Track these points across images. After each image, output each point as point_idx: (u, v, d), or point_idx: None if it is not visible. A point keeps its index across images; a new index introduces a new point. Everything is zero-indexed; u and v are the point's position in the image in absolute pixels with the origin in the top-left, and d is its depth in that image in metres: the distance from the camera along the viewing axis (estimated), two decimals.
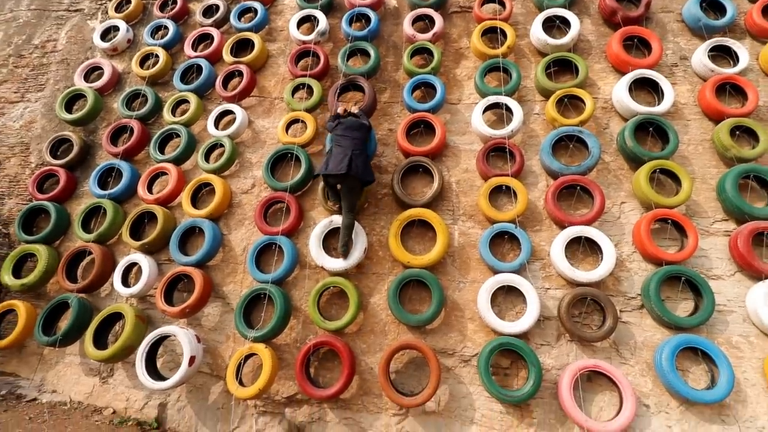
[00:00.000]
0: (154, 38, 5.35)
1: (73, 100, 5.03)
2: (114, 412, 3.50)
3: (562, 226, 3.69)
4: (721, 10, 4.47)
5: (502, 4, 4.87)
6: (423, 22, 4.99)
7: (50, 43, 5.82)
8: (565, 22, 4.61)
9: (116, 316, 3.77)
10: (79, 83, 5.15)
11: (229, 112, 4.65)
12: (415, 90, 4.54)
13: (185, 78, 4.99)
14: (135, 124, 4.68)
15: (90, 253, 4.11)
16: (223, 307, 3.81)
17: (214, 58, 5.11)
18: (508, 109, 4.17)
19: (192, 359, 3.34)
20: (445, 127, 4.22)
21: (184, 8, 5.56)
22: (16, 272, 4.16)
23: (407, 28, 4.89)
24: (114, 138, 4.74)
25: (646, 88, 4.22)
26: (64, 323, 3.85)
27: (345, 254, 3.65)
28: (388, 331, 3.54)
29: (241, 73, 4.85)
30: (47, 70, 5.57)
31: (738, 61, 4.16)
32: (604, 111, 4.27)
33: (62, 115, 4.88)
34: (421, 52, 4.77)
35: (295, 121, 4.45)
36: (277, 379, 3.47)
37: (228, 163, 4.33)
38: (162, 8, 5.58)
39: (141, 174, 4.54)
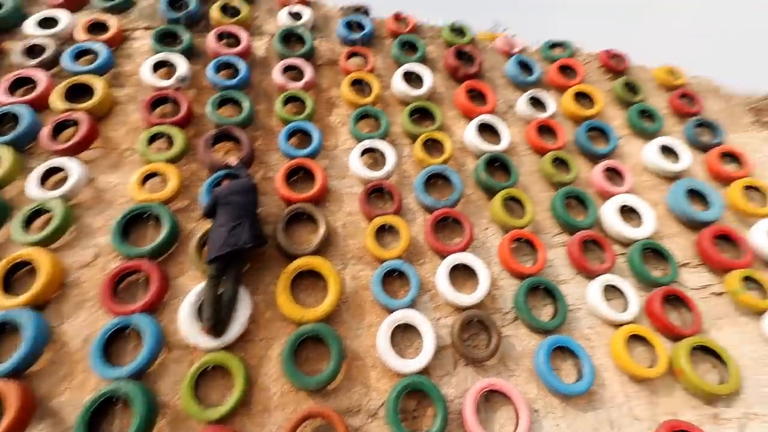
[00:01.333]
0: None
1: None
2: None
3: (442, 256, 3.67)
4: (530, 69, 5.30)
5: (365, 59, 4.95)
6: (293, 72, 4.71)
7: None
8: (419, 76, 4.89)
9: None
10: None
11: (59, 169, 3.51)
12: (291, 137, 4.16)
13: None
14: None
15: None
16: (53, 428, 2.62)
17: (39, 105, 3.89)
18: (382, 153, 4.12)
19: None
20: (325, 172, 3.91)
21: None
22: None
23: (278, 77, 4.54)
24: None
25: (488, 130, 4.67)
26: None
27: (221, 331, 2.92)
28: (286, 403, 2.90)
29: (76, 123, 3.77)
30: None
31: (548, 108, 4.94)
32: (460, 151, 4.54)
33: None
34: (293, 100, 4.45)
35: (152, 174, 3.59)
36: None
37: (58, 231, 3.18)
38: None
39: None
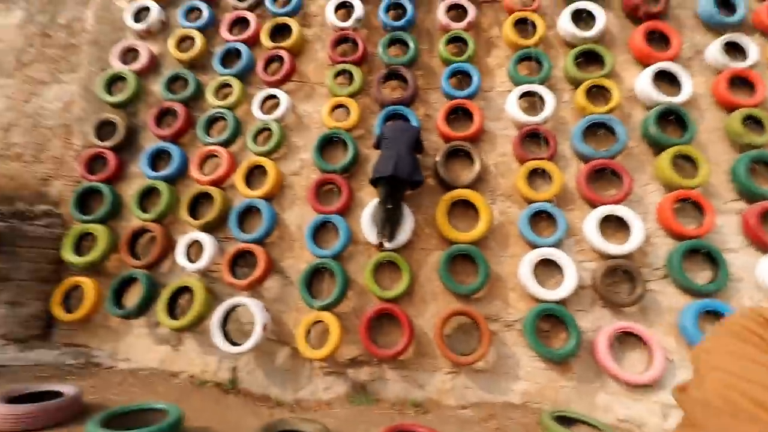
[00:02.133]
0: (188, 21, 5.51)
1: (111, 81, 5.19)
2: (192, 377, 3.87)
3: (593, 206, 4.15)
4: (732, 8, 4.90)
5: None
6: (455, 11, 5.30)
7: (77, 23, 5.89)
8: (590, 15, 4.99)
9: (181, 290, 4.10)
10: (117, 65, 5.31)
11: (273, 96, 4.92)
12: (451, 77, 4.88)
13: (225, 62, 5.20)
14: (179, 108, 4.90)
15: (148, 231, 4.40)
16: (282, 281, 4.19)
17: (252, 43, 5.33)
18: (541, 98, 4.58)
19: (265, 326, 3.72)
20: (482, 114, 4.60)
21: None
22: (76, 250, 4.42)
23: (441, 16, 5.19)
24: (157, 121, 4.96)
25: (665, 79, 4.66)
26: (130, 298, 4.18)
27: (391, 238, 4.02)
28: (438, 300, 3.99)
29: (280, 58, 5.09)
30: (78, 51, 5.67)
31: (748, 56, 4.63)
32: (628, 100, 4.70)
33: (105, 97, 5.05)
34: (455, 40, 5.09)
35: (338, 106, 4.76)
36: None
37: (277, 146, 4.63)
38: None
39: (188, 156, 4.80)
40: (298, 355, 3.81)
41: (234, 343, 3.75)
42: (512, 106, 4.61)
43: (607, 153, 4.25)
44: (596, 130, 4.47)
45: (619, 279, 3.87)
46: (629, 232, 3.93)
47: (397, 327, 3.82)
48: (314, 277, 4.03)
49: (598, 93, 4.61)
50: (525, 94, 4.68)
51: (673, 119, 4.41)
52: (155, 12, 5.56)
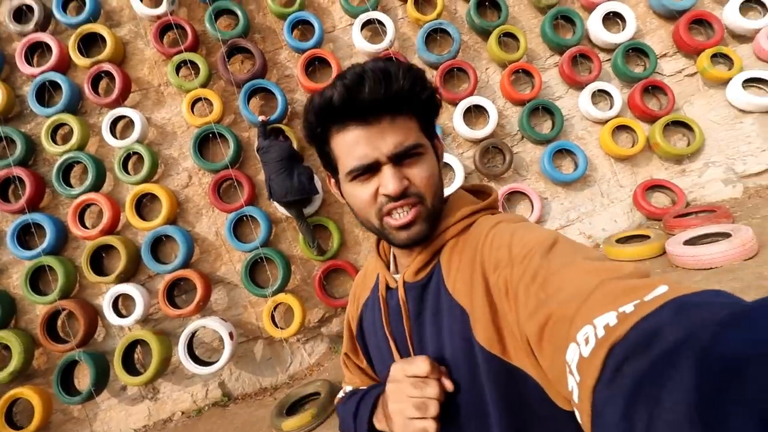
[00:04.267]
0: None
1: None
2: (183, 413, 3.80)
3: (454, 104, 4.53)
4: None
5: None
6: None
7: None
8: None
9: (132, 346, 3.81)
10: None
11: (121, 117, 4.28)
12: (293, 30, 4.63)
13: (42, 100, 4.29)
14: (19, 171, 4.06)
15: (61, 311, 3.87)
16: (226, 287, 4.09)
17: (64, 67, 4.41)
18: (380, 22, 4.61)
19: (231, 334, 3.71)
20: (336, 57, 4.53)
21: None
22: None
23: None
24: (2, 197, 4.09)
25: None
26: (81, 380, 3.79)
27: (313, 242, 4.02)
28: (368, 237, 4.26)
29: (107, 73, 4.34)
30: None
31: None
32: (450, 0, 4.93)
33: None
34: None
35: (196, 100, 4.32)
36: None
37: (153, 166, 4.16)
38: None
39: (59, 218, 4.13)
40: (273, 341, 3.91)
41: (210, 363, 3.70)
42: (359, 40, 4.59)
43: (449, 55, 4.54)
44: (434, 35, 4.68)
45: (493, 154, 4.44)
46: (488, 115, 4.42)
47: (347, 276, 4.06)
48: (255, 270, 4.00)
49: (424, 2, 4.74)
50: (366, 24, 4.65)
51: (489, 3, 4.75)
52: None
